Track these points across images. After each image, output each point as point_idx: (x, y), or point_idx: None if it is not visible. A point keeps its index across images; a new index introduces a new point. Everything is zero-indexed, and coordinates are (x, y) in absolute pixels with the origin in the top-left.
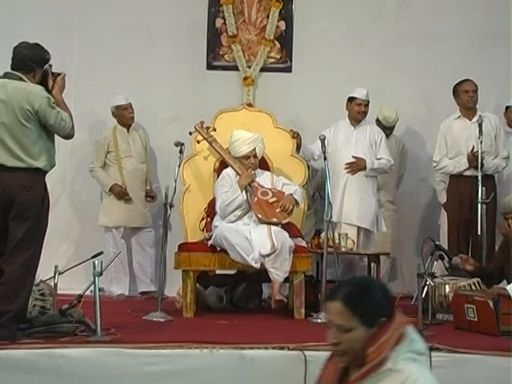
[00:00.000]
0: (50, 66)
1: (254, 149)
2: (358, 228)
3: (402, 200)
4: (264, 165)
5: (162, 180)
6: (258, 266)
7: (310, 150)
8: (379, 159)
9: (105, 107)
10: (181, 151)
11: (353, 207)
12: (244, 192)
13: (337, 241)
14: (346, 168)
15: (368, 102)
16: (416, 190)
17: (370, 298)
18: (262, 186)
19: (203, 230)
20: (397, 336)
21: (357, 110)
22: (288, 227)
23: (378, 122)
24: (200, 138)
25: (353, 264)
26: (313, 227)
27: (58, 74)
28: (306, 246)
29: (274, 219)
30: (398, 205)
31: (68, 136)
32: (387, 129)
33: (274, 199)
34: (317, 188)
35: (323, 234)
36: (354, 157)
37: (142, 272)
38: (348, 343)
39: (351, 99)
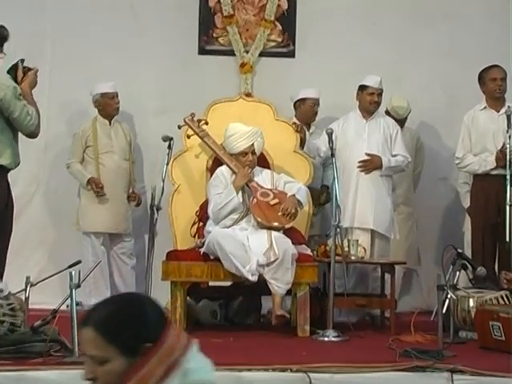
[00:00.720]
0: (22, 60)
1: (252, 144)
2: (373, 234)
3: (418, 202)
4: (263, 162)
5: (148, 179)
6: (254, 278)
7: (316, 145)
8: (395, 156)
9: (86, 96)
10: (169, 147)
11: (367, 210)
12: (240, 193)
13: (346, 248)
14: (359, 166)
15: (381, 90)
16: (435, 190)
17: (128, 321)
18: (262, 187)
19: (195, 236)
20: (166, 365)
21: (369, 100)
22: (291, 233)
23: (387, 114)
24: (191, 132)
25: (365, 274)
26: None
27: (30, 69)
28: (311, 254)
29: (276, 223)
30: (415, 207)
31: (32, 134)
32: (397, 121)
33: (276, 201)
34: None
35: (330, 241)
36: (368, 154)
37: (124, 285)
38: (105, 377)
39: (362, 88)
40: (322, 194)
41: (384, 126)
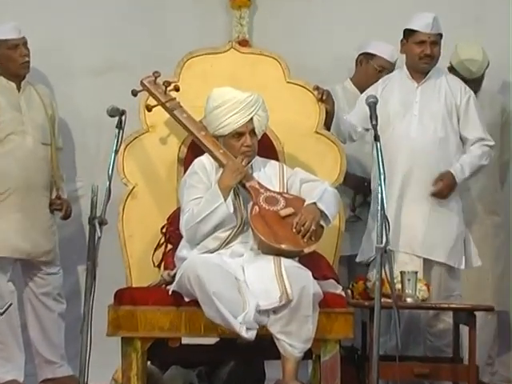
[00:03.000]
0: None
1: (251, 120)
2: (427, 262)
3: (510, 208)
4: (268, 149)
5: (85, 177)
6: (251, 335)
7: (348, 121)
8: (466, 139)
9: None
10: (120, 126)
11: (417, 226)
12: (232, 198)
13: (398, 285)
14: (432, 195)
15: (439, 36)
16: None
17: None
18: (266, 188)
19: (159, 267)
20: None
21: (418, 53)
22: (311, 261)
23: (452, 72)
24: (152, 102)
25: (417, 325)
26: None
27: None
28: (342, 293)
29: (288, 246)
30: (505, 214)
31: None
32: (469, 83)
33: (288, 211)
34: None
35: (373, 273)
36: (440, 176)
37: (47, 344)
38: None
39: (408, 34)
40: (356, 193)
41: (447, 90)
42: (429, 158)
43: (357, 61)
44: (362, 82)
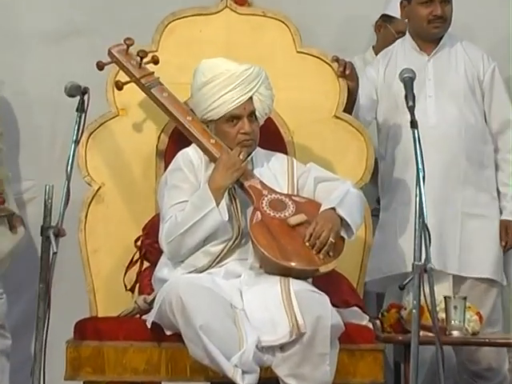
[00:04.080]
0: None
1: (250, 100)
2: (459, 280)
3: None
4: (273, 139)
5: (37, 174)
6: (248, 382)
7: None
8: (494, 130)
9: None
10: (81, 109)
11: (451, 238)
12: (226, 201)
13: (441, 315)
14: (506, 250)
15: None
16: None
17: None
18: (271, 189)
19: (132, 290)
20: None
21: (426, 16)
22: (329, 283)
23: None
24: (124, 77)
25: (450, 359)
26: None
27: None
28: (370, 325)
29: (296, 263)
30: None
31: None
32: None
33: (300, 218)
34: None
35: (409, 299)
36: (502, 228)
37: None
38: None
39: None
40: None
41: (466, 60)
42: (455, 150)
43: (375, 26)
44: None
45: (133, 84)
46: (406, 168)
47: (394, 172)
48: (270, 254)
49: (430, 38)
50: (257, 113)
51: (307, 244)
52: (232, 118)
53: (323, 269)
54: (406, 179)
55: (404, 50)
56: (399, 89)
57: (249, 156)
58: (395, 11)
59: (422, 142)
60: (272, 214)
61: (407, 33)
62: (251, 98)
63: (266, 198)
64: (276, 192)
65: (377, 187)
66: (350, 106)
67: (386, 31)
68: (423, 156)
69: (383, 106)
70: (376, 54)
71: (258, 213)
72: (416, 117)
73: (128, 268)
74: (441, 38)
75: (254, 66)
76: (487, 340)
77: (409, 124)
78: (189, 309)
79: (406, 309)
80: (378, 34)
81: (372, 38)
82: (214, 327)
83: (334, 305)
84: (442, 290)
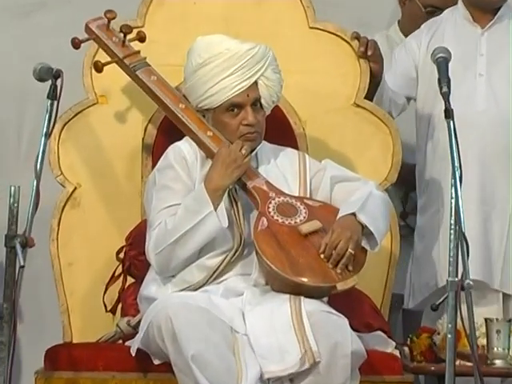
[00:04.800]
0: None
1: (255, 85)
2: (509, 298)
3: None
4: (282, 131)
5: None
6: None
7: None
8: None
9: None
10: (53, 95)
11: (494, 248)
12: (225, 204)
13: (481, 340)
14: None
15: None
16: None
17: None
18: (279, 191)
19: (114, 311)
20: None
21: None
22: (349, 302)
23: None
24: (104, 57)
25: None
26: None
27: None
28: (397, 353)
29: (309, 279)
30: None
31: None
32: None
33: (313, 226)
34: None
35: (443, 322)
36: None
37: None
38: None
39: None
40: (407, 192)
41: None
42: (505, 140)
43: None
44: (405, 29)
45: (114, 65)
46: (448, 164)
47: (433, 168)
48: (277, 267)
49: (488, 6)
50: (262, 100)
51: (322, 256)
52: (233, 106)
53: (341, 286)
54: (448, 176)
55: (454, 21)
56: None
57: (253, 151)
58: None
59: (468, 129)
60: (280, 221)
61: (459, 0)
62: (256, 82)
63: (273, 202)
64: (285, 194)
65: (402, 187)
66: (373, 92)
67: (411, 4)
68: (460, 149)
69: (424, 88)
70: (401, 31)
71: (264, 219)
72: (460, 100)
73: (108, 285)
74: (498, 9)
75: (259, 44)
76: None
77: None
78: (180, 334)
79: (439, 333)
80: (402, 7)
81: (397, 12)
82: (208, 358)
83: (353, 328)
84: (490, 311)
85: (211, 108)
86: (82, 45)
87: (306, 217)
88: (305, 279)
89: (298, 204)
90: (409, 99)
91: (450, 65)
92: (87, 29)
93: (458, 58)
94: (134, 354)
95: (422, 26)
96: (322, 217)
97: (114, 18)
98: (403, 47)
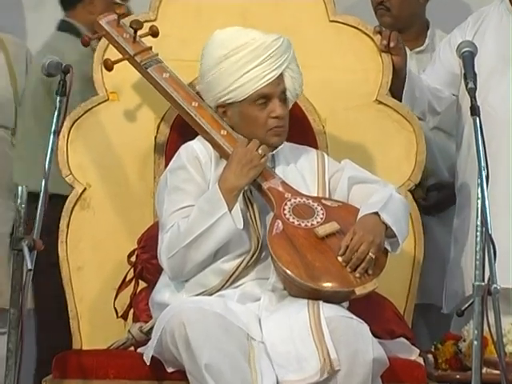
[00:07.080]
0: None
1: (281, 77)
2: None
3: None
4: (300, 129)
5: None
6: None
7: (426, 83)
8: None
9: None
10: (63, 91)
11: None
12: (241, 206)
13: (509, 347)
14: None
15: None
16: None
17: None
18: (296, 192)
19: (125, 317)
20: None
21: None
22: (370, 308)
23: None
24: (115, 54)
25: None
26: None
27: None
28: (421, 360)
29: (327, 283)
30: None
31: None
32: None
33: (331, 227)
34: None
35: (469, 328)
36: None
37: None
38: None
39: None
40: (424, 189)
41: None
42: None
43: None
44: (403, 17)
45: (125, 62)
46: (472, 153)
47: (467, 169)
48: (293, 272)
49: None
50: (287, 93)
51: (340, 259)
52: (261, 98)
53: (360, 290)
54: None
55: (500, 14)
56: (484, 60)
57: (276, 149)
58: None
59: (505, 128)
60: (296, 223)
61: None
62: (282, 74)
63: (288, 203)
64: (302, 195)
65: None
66: (400, 88)
67: None
68: (487, 149)
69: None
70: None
71: (279, 222)
72: (498, 98)
73: (120, 289)
74: None
75: (281, 36)
76: None
77: (489, 103)
78: (194, 341)
79: (465, 340)
80: None
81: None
82: (222, 367)
83: (375, 335)
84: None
85: (236, 101)
86: (92, 42)
87: (323, 218)
88: (321, 284)
89: (315, 205)
90: (455, 95)
91: (489, 62)
92: (97, 25)
93: (499, 54)
94: (147, 362)
95: (469, 18)
96: (341, 218)
97: (124, 13)
98: (448, 42)
